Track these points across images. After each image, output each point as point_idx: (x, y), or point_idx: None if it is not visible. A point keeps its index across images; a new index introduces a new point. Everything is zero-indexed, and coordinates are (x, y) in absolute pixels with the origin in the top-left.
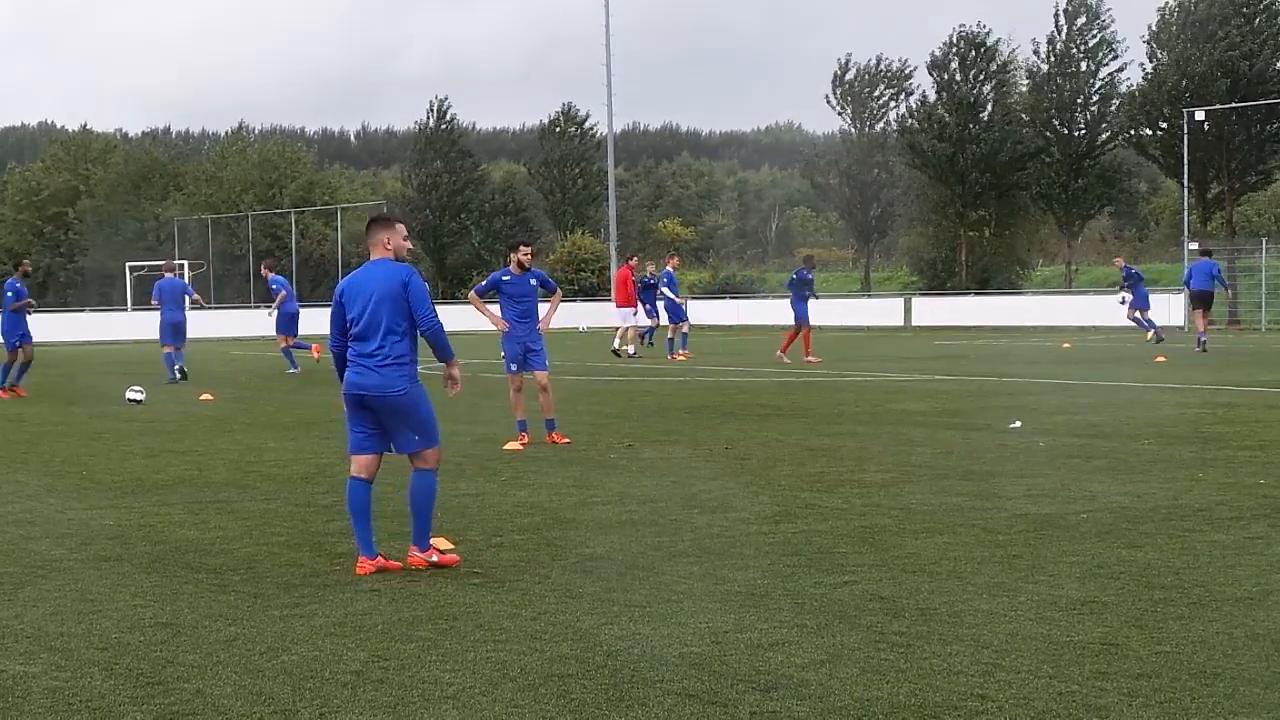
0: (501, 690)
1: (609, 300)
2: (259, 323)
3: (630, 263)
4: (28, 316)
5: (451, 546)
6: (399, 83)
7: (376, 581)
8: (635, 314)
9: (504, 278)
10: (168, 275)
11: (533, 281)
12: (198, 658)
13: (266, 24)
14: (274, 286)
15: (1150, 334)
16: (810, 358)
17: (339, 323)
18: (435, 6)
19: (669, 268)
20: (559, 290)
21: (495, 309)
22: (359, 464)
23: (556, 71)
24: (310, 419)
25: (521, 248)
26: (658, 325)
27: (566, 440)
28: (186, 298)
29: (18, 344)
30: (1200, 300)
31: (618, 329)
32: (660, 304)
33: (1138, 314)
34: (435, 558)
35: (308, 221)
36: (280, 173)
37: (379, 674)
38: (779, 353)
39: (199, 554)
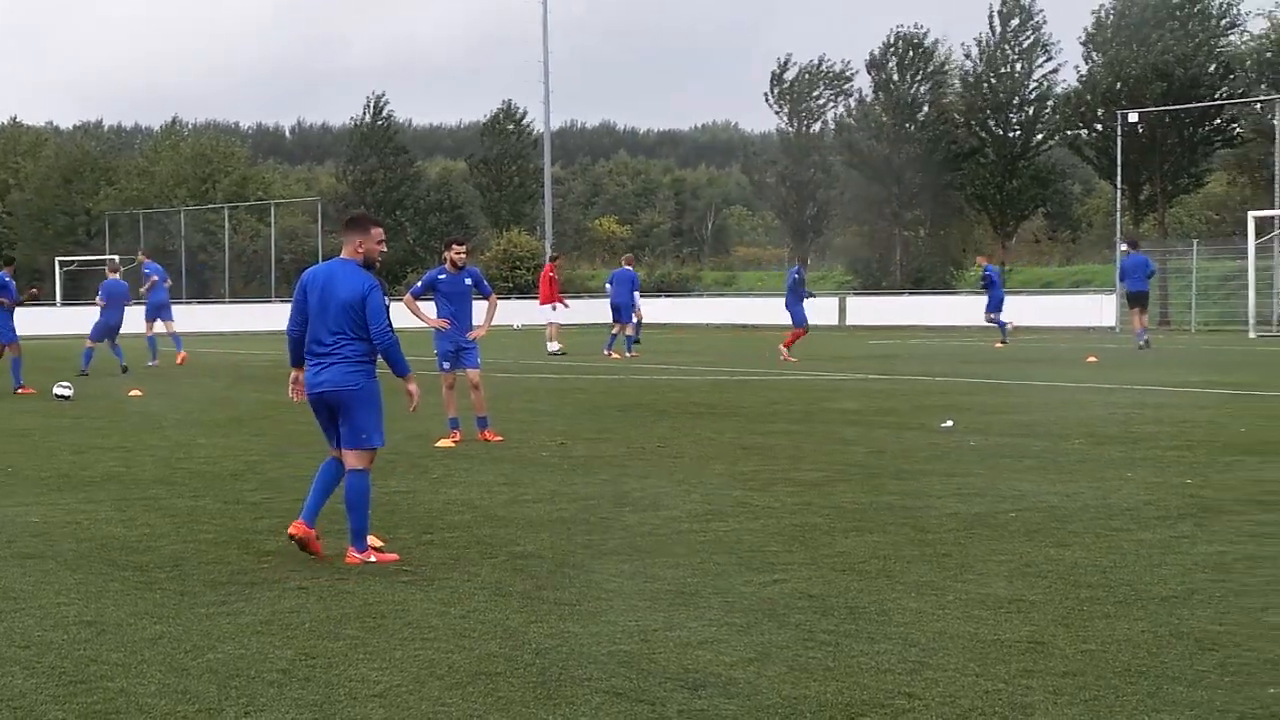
0: (429, 688)
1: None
2: (191, 318)
3: (555, 261)
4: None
5: (382, 544)
6: (339, 78)
7: (304, 579)
8: (555, 310)
9: (439, 276)
10: (113, 276)
11: (468, 281)
12: (122, 656)
13: (208, 16)
14: (147, 271)
15: (1001, 338)
16: (790, 357)
17: (300, 309)
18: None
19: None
20: (494, 295)
21: (430, 307)
22: (332, 452)
23: (498, 69)
24: (241, 416)
25: (455, 246)
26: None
27: (499, 438)
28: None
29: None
30: (1137, 300)
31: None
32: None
33: (991, 316)
34: (373, 558)
35: (241, 217)
36: (214, 167)
37: (306, 672)
38: (783, 348)
39: (125, 551)
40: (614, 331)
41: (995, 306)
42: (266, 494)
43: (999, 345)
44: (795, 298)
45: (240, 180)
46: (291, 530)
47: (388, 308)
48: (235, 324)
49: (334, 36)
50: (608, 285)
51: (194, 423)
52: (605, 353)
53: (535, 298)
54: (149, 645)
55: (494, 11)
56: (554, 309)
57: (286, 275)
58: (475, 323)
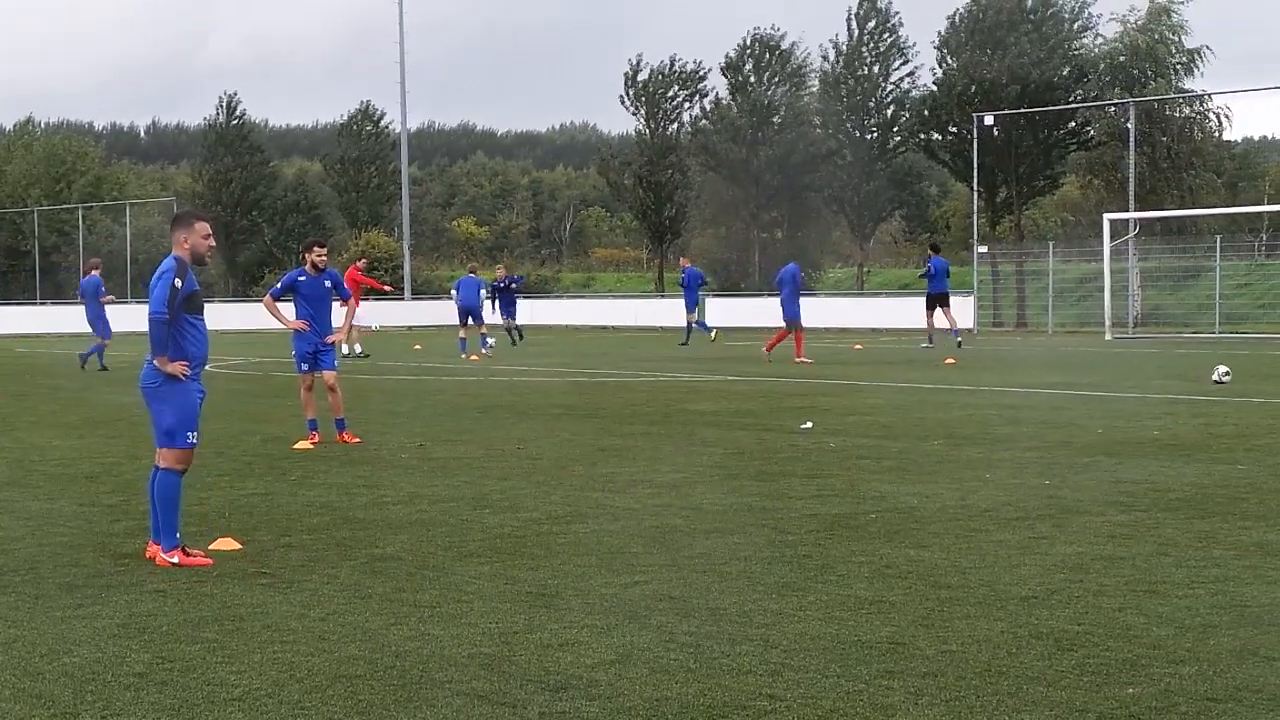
0: (288, 692)
1: (401, 299)
2: (44, 319)
3: (358, 264)
4: None
5: (239, 547)
6: (197, 78)
7: (161, 582)
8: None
9: (299, 278)
10: (93, 274)
11: (327, 283)
12: None
13: (63, 14)
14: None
15: (689, 337)
16: (804, 359)
17: None
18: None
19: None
20: (352, 298)
21: (290, 308)
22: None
23: (357, 70)
24: (96, 418)
25: (316, 249)
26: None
27: (357, 439)
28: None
29: None
30: (944, 300)
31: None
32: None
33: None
34: (176, 559)
35: (95, 217)
36: (67, 167)
37: (163, 676)
38: (765, 350)
39: None
40: (462, 335)
41: (690, 307)
42: (122, 496)
43: (682, 345)
44: (792, 297)
45: (95, 181)
46: (149, 554)
47: (190, 296)
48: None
49: (191, 36)
50: (454, 290)
51: (48, 424)
52: (463, 356)
53: (393, 299)
54: (2, 650)
55: (354, 12)
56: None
57: (142, 275)
58: (334, 325)
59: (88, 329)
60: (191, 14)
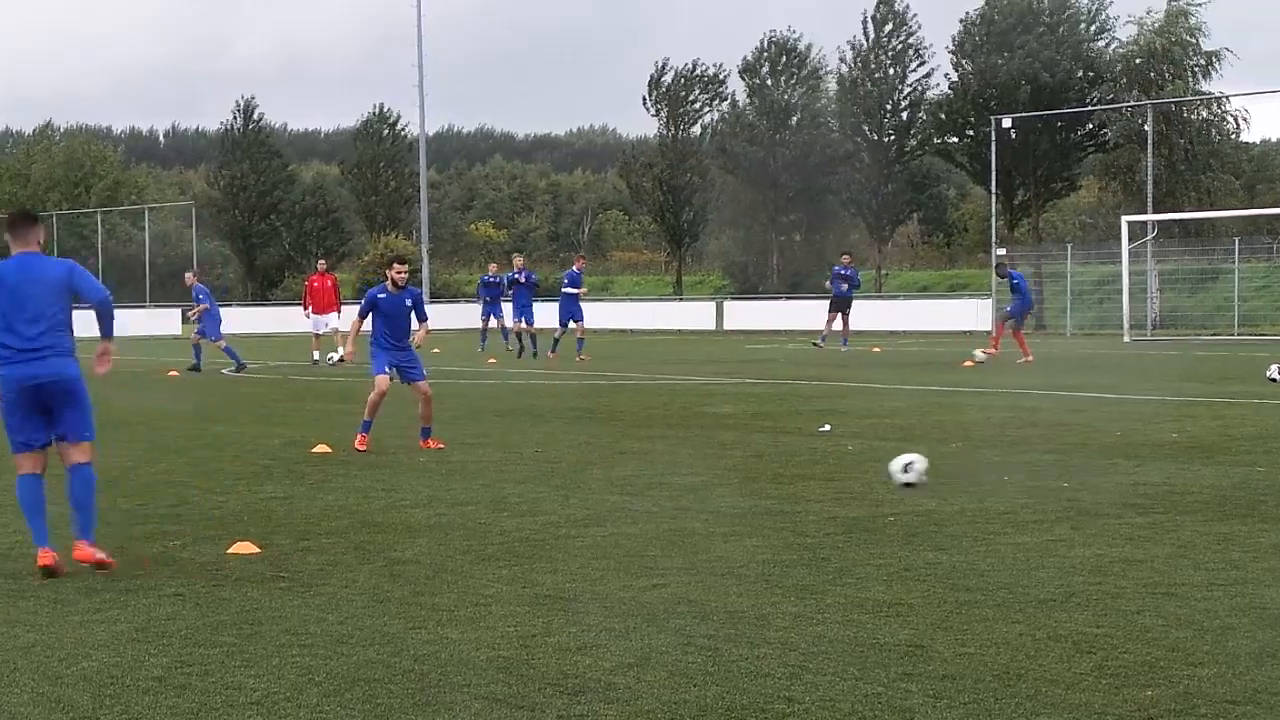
0: (307, 695)
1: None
2: None
3: (320, 267)
4: None
5: (258, 550)
6: (217, 81)
7: (180, 586)
8: (328, 323)
9: (379, 295)
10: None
11: (408, 301)
12: None
13: (78, 21)
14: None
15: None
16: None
17: None
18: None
19: (575, 267)
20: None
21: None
22: (32, 461)
23: (377, 73)
24: (113, 421)
25: (396, 265)
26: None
27: (442, 444)
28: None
29: None
30: (846, 305)
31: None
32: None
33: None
34: (103, 554)
35: (114, 221)
36: (86, 171)
37: (181, 680)
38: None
39: None
40: (560, 334)
41: (519, 313)
42: (140, 500)
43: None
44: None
45: (114, 185)
46: (40, 563)
47: None
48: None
49: (211, 40)
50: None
51: None
52: (551, 355)
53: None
54: (22, 654)
55: (373, 16)
56: (337, 316)
57: (160, 280)
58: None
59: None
60: (211, 18)
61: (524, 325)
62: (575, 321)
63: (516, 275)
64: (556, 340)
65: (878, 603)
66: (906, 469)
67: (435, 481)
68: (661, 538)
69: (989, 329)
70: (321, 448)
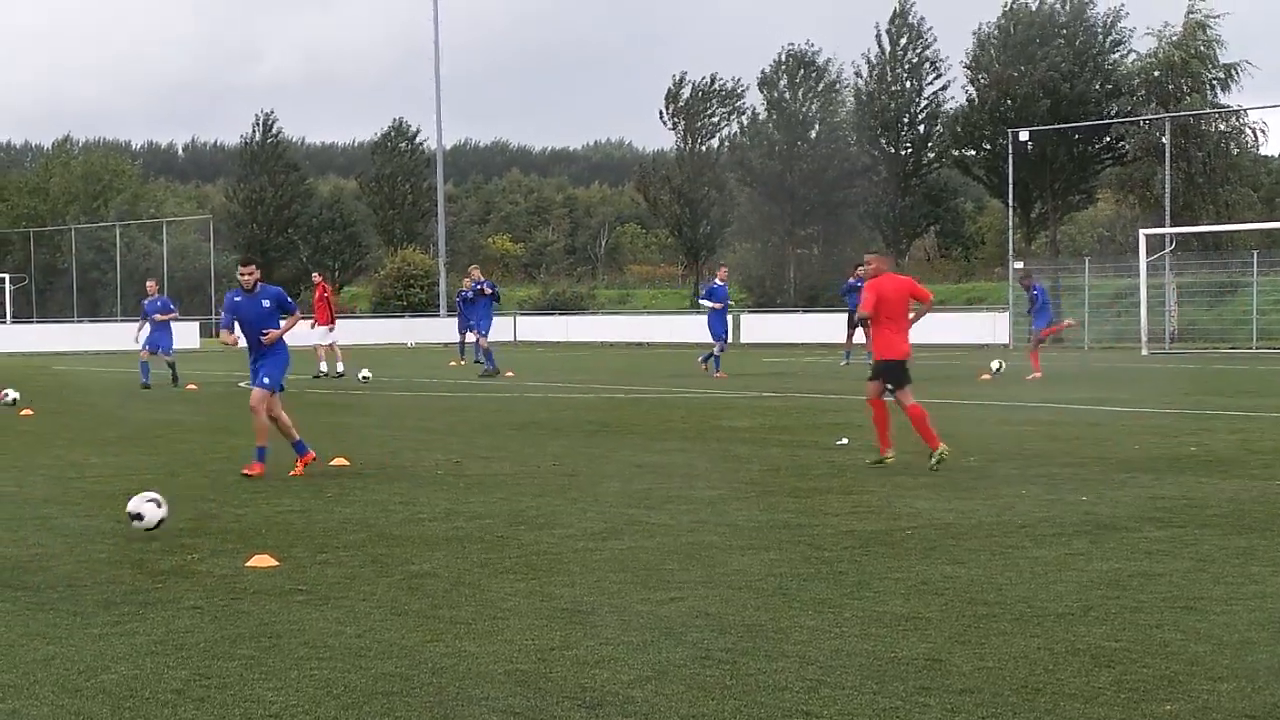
0: (325, 708)
1: (437, 315)
2: (80, 337)
3: (318, 279)
4: None
5: (276, 563)
6: (235, 96)
7: (199, 599)
8: (332, 330)
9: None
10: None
11: (265, 303)
12: (14, 677)
13: (97, 35)
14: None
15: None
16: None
17: None
18: (290, 15)
19: (718, 280)
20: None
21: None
22: None
23: (395, 87)
24: (132, 434)
25: (240, 267)
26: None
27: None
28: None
29: None
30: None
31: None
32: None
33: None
34: None
35: (133, 235)
36: (105, 185)
37: (200, 692)
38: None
39: (17, 571)
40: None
41: (480, 325)
42: None
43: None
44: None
45: (132, 198)
46: None
47: None
48: (127, 342)
49: (231, 55)
50: (703, 302)
51: (86, 441)
52: (715, 373)
53: (429, 315)
54: (41, 666)
55: (391, 32)
56: (330, 329)
57: (179, 293)
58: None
59: (128, 346)
60: (230, 33)
61: (479, 335)
62: (718, 340)
63: (480, 286)
64: (716, 358)
65: (895, 616)
66: (138, 518)
67: (453, 495)
68: (679, 551)
69: (1005, 342)
70: (339, 461)
